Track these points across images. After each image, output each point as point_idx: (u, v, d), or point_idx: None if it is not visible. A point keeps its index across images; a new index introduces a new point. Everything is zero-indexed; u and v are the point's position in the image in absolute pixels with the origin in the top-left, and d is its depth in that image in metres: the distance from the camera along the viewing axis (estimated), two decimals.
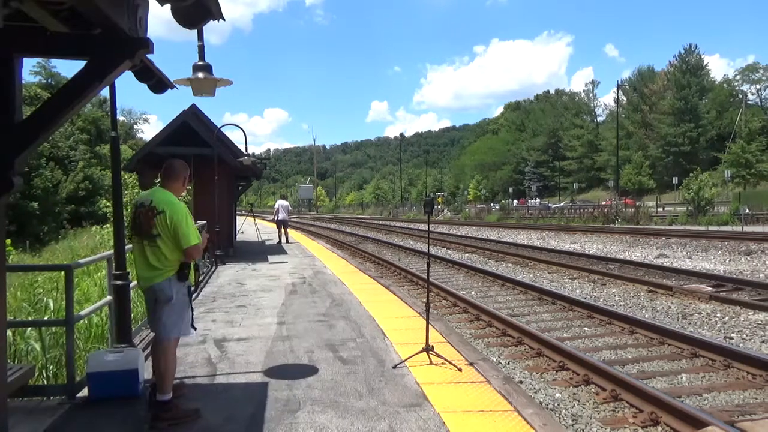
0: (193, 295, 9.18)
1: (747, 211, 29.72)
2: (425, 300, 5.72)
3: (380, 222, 47.50)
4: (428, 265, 5.87)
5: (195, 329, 4.10)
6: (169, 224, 3.70)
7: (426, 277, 6.07)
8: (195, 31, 6.52)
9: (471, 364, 5.07)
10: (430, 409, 4.02)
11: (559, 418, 4.69)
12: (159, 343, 3.86)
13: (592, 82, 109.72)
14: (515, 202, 73.08)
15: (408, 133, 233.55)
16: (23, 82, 2.78)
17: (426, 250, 6.14)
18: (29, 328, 5.79)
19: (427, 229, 5.80)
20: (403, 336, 6.13)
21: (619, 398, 4.97)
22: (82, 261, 5.35)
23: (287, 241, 20.55)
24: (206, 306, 8.28)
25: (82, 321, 5.46)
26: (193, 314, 4.02)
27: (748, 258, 15.21)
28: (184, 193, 14.16)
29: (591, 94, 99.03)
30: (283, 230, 20.69)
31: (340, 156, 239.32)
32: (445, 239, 23.79)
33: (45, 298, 7.25)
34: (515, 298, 10.15)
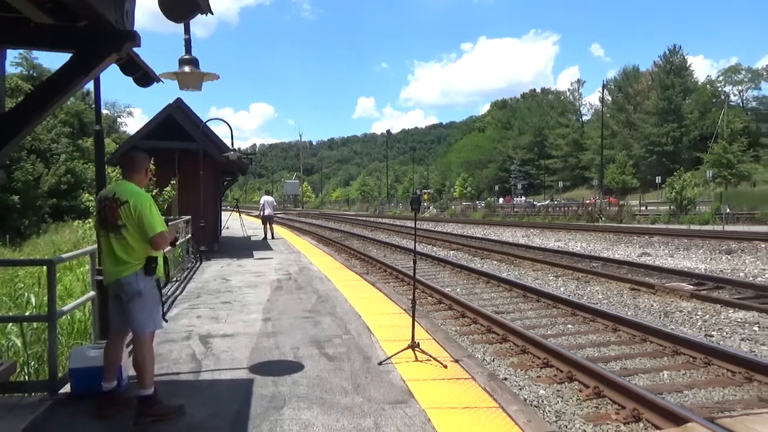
0: (179, 291, 9.11)
1: (728, 210, 30.17)
2: (411, 297, 5.73)
3: (366, 219, 47.48)
4: (414, 262, 5.87)
5: (166, 321, 4.07)
6: (134, 213, 3.69)
7: (412, 274, 6.08)
8: (182, 24, 6.45)
9: (456, 361, 5.10)
10: (416, 405, 4.04)
11: (543, 414, 4.74)
12: (134, 338, 3.83)
13: (578, 81, 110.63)
14: (501, 199, 73.43)
15: (395, 130, 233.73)
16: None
17: (412, 247, 6.15)
18: (10, 324, 5.72)
19: (413, 226, 5.81)
20: (389, 333, 6.14)
21: (602, 395, 5.03)
22: (64, 256, 5.30)
23: (272, 237, 20.48)
24: (191, 302, 8.22)
25: (64, 317, 5.40)
26: (163, 308, 4.00)
27: (729, 257, 15.45)
28: (168, 188, 13.76)
29: (576, 93, 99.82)
30: (268, 226, 20.61)
31: (326, 152, 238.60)
32: (430, 236, 23.85)
33: (26, 294, 7.17)
34: (500, 296, 10.21)
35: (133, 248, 3.74)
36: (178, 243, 11.16)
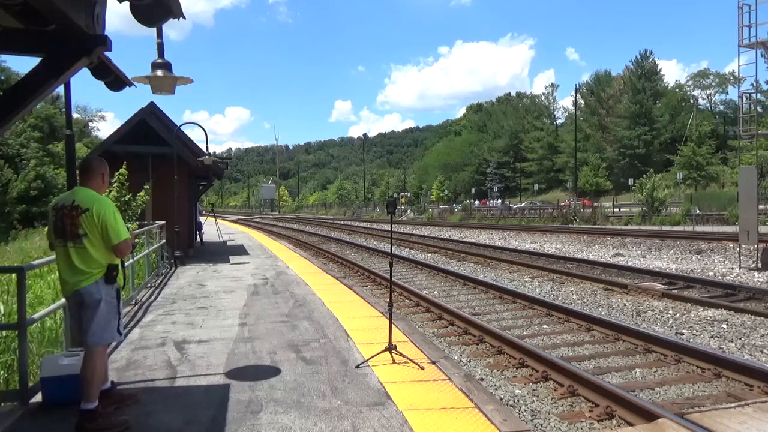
0: (154, 297, 8.99)
1: (698, 211, 30.85)
2: (388, 300, 5.76)
3: (343, 222, 47.43)
4: (391, 265, 5.91)
5: (120, 334, 3.86)
6: (97, 221, 3.55)
7: (389, 277, 6.11)
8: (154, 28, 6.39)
9: (433, 362, 5.13)
10: (393, 407, 4.05)
11: (519, 413, 4.80)
12: (86, 350, 3.69)
13: (552, 85, 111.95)
14: (477, 202, 73.92)
15: (371, 134, 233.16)
16: None
17: (389, 250, 6.18)
18: None
19: (390, 229, 5.84)
20: (366, 336, 6.15)
21: (576, 393, 5.11)
22: (35, 263, 5.20)
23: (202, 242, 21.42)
24: (165, 308, 8.12)
25: (35, 324, 5.29)
26: (120, 319, 3.82)
27: (699, 257, 15.81)
28: (141, 193, 13.59)
29: (551, 97, 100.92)
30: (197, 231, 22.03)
31: (303, 156, 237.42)
32: (408, 239, 23.93)
33: None
34: (477, 297, 10.30)
35: (93, 258, 3.59)
36: (151, 249, 11.01)
